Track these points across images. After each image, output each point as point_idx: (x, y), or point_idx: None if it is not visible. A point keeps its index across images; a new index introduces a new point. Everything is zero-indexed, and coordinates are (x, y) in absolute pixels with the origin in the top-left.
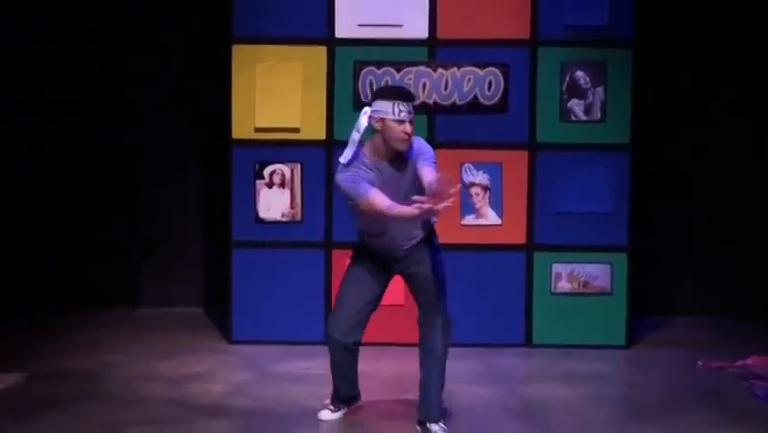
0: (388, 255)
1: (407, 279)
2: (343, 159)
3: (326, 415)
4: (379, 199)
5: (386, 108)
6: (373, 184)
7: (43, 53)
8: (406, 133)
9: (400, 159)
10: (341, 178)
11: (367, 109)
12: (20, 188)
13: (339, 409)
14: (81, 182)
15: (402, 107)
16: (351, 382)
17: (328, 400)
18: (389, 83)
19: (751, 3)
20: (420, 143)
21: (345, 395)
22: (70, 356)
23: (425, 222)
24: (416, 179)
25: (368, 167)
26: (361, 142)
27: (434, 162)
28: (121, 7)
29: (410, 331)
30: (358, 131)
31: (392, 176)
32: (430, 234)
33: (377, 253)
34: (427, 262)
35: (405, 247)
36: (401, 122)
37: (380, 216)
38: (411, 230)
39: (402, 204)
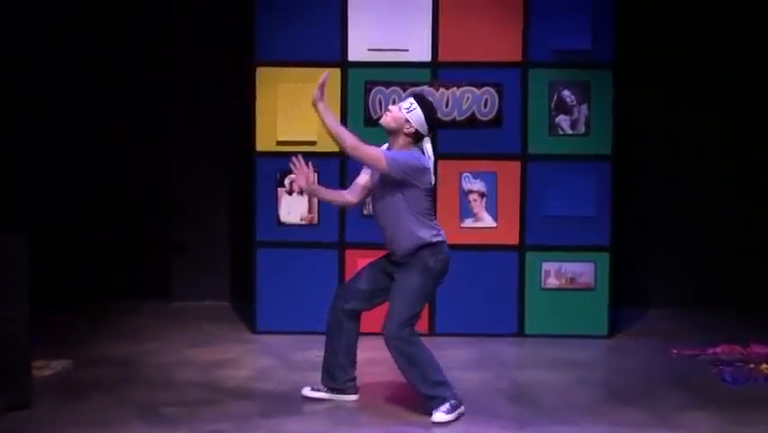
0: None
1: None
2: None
3: (307, 391)
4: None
5: (422, 123)
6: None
7: (86, 66)
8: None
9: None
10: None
11: (417, 108)
12: (76, 190)
13: (320, 390)
14: (126, 190)
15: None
16: (339, 360)
17: (316, 386)
18: (396, 100)
19: (728, 25)
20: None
21: (336, 379)
22: (112, 344)
23: (406, 236)
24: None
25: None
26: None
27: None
28: (161, 33)
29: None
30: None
31: None
32: (422, 251)
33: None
34: (408, 276)
35: (396, 255)
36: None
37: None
38: (391, 235)
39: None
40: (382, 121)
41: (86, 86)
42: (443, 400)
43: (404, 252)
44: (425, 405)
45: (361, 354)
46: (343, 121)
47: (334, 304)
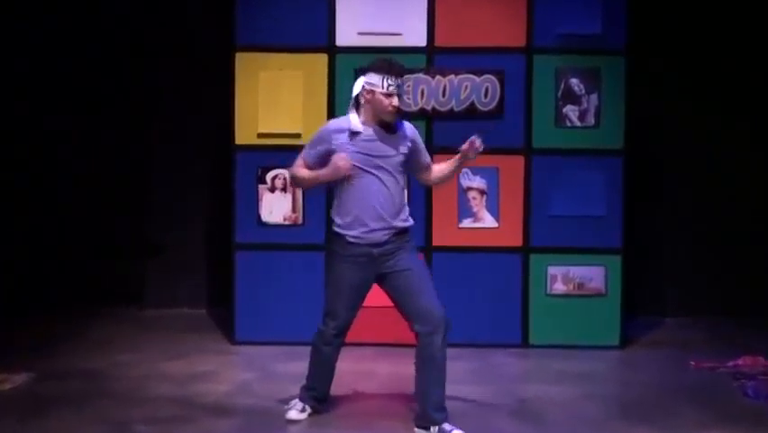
0: (364, 253)
1: (391, 281)
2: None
3: (295, 414)
4: (295, 168)
5: (376, 81)
6: (339, 151)
7: (52, 56)
8: (393, 106)
9: (389, 128)
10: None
11: (362, 78)
12: (29, 190)
13: (305, 411)
14: (89, 185)
15: (391, 81)
16: (328, 382)
17: (295, 401)
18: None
19: (744, 9)
20: (413, 131)
21: (318, 395)
22: (78, 356)
23: (399, 209)
24: (407, 159)
25: (347, 131)
26: (354, 106)
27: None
28: (129, 16)
29: (405, 332)
30: (351, 98)
31: (377, 140)
32: (407, 232)
33: (354, 252)
34: (411, 258)
35: (383, 235)
36: (389, 95)
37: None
38: (391, 211)
39: (379, 169)
40: (395, 110)
41: (53, 75)
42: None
43: (404, 229)
44: (424, 415)
45: (347, 366)
46: (331, 112)
47: (324, 333)
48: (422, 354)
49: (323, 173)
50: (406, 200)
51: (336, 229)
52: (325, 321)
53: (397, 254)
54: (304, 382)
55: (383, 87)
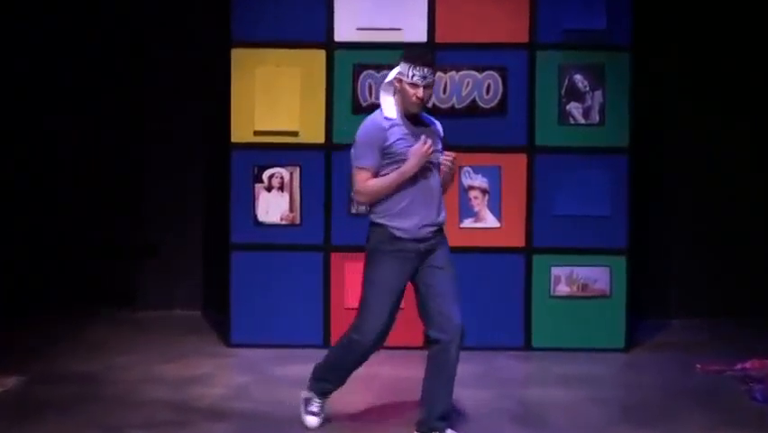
0: (411, 247)
1: (424, 276)
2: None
3: (314, 421)
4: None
5: (404, 70)
6: (396, 142)
7: (45, 55)
8: (417, 97)
9: (419, 122)
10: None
11: (397, 67)
12: (22, 189)
13: (321, 412)
14: (82, 184)
15: (416, 71)
16: (343, 383)
17: (315, 406)
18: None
19: (751, 5)
20: (441, 128)
21: (328, 389)
22: (70, 358)
23: (440, 204)
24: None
25: (392, 121)
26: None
27: None
28: (121, 10)
29: (408, 335)
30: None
31: (417, 133)
32: (443, 229)
33: (402, 247)
34: (447, 257)
35: (429, 231)
36: (414, 86)
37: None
38: (436, 207)
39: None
40: (422, 102)
41: (53, 75)
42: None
43: (442, 226)
44: (427, 421)
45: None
46: (329, 109)
47: (360, 342)
48: (434, 361)
49: (407, 167)
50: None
51: (382, 222)
52: (363, 328)
53: (437, 250)
54: (315, 371)
55: (409, 77)
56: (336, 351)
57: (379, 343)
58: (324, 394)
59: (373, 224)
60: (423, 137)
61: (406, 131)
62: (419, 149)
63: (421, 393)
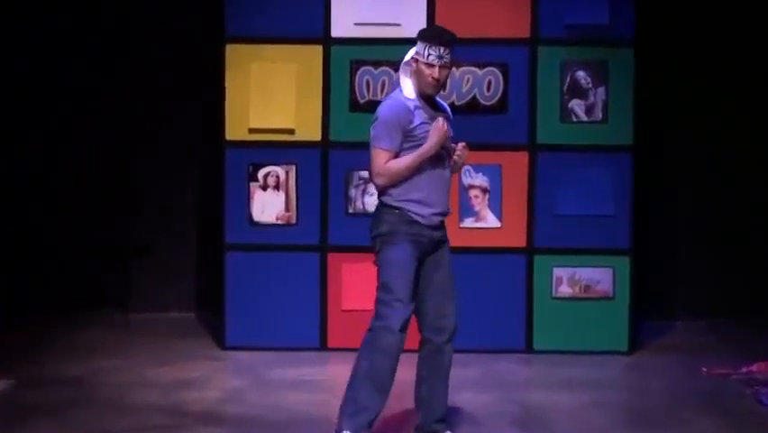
0: (427, 233)
1: (429, 270)
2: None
3: None
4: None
5: (420, 50)
6: (419, 125)
7: (38, 54)
8: (433, 77)
9: (434, 107)
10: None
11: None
12: (11, 190)
13: None
14: (73, 184)
15: (432, 51)
16: (387, 394)
17: None
18: (387, 82)
19: (755, 1)
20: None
21: (372, 417)
22: (61, 362)
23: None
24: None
25: (413, 103)
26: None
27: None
28: (114, 7)
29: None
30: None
31: (434, 117)
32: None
33: (419, 231)
34: (449, 254)
35: (440, 220)
36: (430, 65)
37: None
38: (447, 196)
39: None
40: (438, 83)
41: (31, 67)
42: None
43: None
44: (426, 424)
45: (342, 371)
46: (326, 106)
47: (393, 330)
48: (428, 363)
49: (427, 147)
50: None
51: (400, 205)
52: (389, 314)
53: (444, 245)
54: (344, 407)
55: (425, 57)
56: (363, 362)
57: (406, 331)
58: (366, 428)
59: (388, 206)
60: (439, 119)
61: (426, 115)
62: (440, 127)
63: (415, 396)
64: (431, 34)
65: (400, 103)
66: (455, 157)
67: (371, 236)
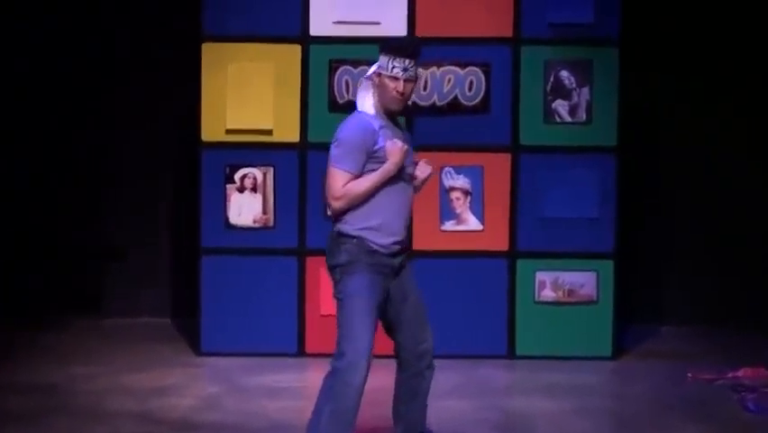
0: (387, 261)
1: (396, 303)
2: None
3: None
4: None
5: (382, 63)
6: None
7: (9, 53)
8: (398, 92)
9: (396, 126)
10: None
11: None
12: None
13: None
14: (44, 184)
15: (397, 63)
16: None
17: None
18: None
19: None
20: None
21: None
22: (34, 368)
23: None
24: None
25: (378, 122)
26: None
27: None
28: (87, 5)
29: (386, 343)
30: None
31: (397, 136)
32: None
33: (377, 259)
34: (415, 281)
35: (399, 247)
36: (395, 79)
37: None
38: (406, 222)
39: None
40: (403, 97)
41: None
42: None
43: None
44: None
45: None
46: (304, 107)
47: (360, 365)
48: (407, 386)
49: (387, 167)
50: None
51: (358, 234)
52: (350, 350)
53: (407, 272)
54: None
55: (388, 70)
56: (326, 406)
57: (368, 368)
58: None
59: (346, 235)
60: (395, 139)
61: (390, 133)
62: (399, 147)
63: (393, 411)
64: (395, 46)
65: (365, 123)
66: (417, 172)
67: (329, 266)
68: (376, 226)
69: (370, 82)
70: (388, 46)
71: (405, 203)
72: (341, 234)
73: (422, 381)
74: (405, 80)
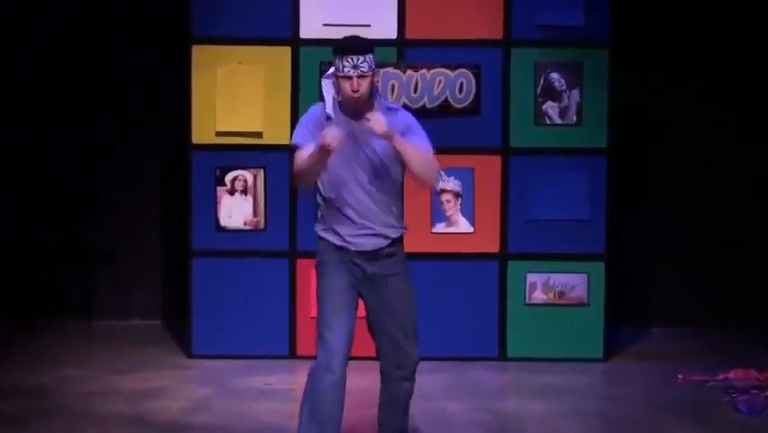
0: (354, 259)
1: (375, 303)
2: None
3: None
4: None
5: (335, 64)
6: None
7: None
8: (352, 89)
9: (359, 117)
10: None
11: None
12: None
13: None
14: (34, 185)
15: (345, 62)
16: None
17: None
18: None
19: (732, 1)
20: (406, 117)
21: None
22: (21, 371)
23: (397, 214)
24: (396, 152)
25: (325, 114)
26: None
27: (423, 135)
28: (77, 5)
29: (362, 344)
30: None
31: (352, 134)
32: (401, 247)
33: (339, 255)
34: (403, 282)
35: (372, 245)
36: (347, 78)
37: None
38: (376, 215)
39: (357, 168)
40: (358, 94)
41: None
42: None
43: (393, 240)
44: None
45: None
46: (294, 109)
47: (329, 368)
48: (389, 393)
49: (317, 143)
50: (395, 204)
51: (323, 233)
52: (324, 351)
53: (393, 282)
54: None
55: (340, 70)
56: (303, 404)
57: (342, 367)
58: None
59: (318, 234)
60: (333, 127)
61: (341, 127)
62: (331, 130)
63: (377, 416)
64: (339, 46)
65: (317, 108)
66: (367, 123)
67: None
68: (338, 222)
69: (331, 81)
70: (335, 48)
71: (372, 194)
72: (317, 234)
73: (401, 391)
74: (357, 77)
